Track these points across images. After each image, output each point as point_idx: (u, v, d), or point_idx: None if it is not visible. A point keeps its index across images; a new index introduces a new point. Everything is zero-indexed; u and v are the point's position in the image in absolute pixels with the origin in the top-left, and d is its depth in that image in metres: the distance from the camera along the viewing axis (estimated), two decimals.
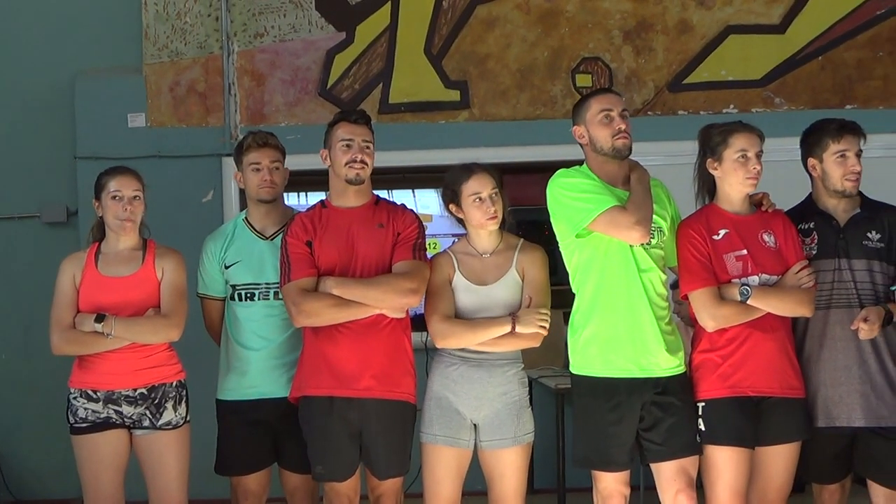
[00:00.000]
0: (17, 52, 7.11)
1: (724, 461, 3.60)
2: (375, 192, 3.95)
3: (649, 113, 6.95)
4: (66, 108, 6.98)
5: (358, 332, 3.71)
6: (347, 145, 3.79)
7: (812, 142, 3.81)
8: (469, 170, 3.79)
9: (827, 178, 3.78)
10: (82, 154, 6.84)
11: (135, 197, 3.90)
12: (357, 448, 3.75)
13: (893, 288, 3.70)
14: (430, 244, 4.12)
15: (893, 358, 3.69)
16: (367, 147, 3.81)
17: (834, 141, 3.74)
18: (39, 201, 7.05)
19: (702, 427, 3.63)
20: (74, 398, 3.85)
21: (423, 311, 3.82)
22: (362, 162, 3.78)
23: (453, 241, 4.06)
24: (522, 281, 3.76)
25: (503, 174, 3.85)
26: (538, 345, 3.75)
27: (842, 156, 3.73)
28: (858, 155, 3.74)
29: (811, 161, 3.81)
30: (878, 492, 3.70)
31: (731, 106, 7.02)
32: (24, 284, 6.92)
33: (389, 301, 3.71)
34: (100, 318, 3.75)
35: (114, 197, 3.89)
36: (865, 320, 3.60)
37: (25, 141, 7.07)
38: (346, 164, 3.78)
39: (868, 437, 3.68)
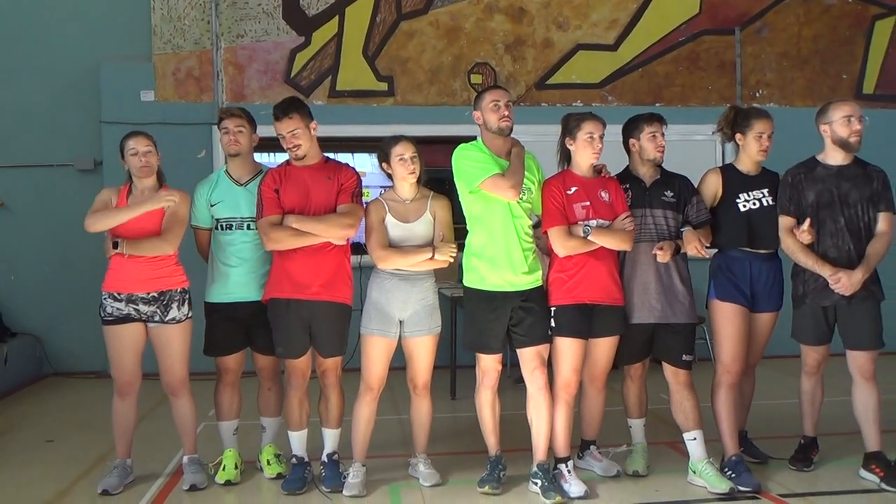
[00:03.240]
0: (58, 43, 6.87)
1: (567, 347, 3.65)
2: (326, 153, 3.84)
3: (521, 104, 6.95)
4: (94, 85, 6.78)
5: (310, 253, 3.63)
6: (282, 137, 3.67)
7: (632, 127, 3.82)
8: (397, 139, 3.72)
9: (643, 151, 3.79)
10: (106, 120, 6.62)
11: (147, 151, 3.73)
12: (308, 335, 3.69)
13: (682, 229, 3.76)
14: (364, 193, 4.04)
15: (680, 278, 3.75)
16: (295, 134, 3.64)
17: (647, 124, 3.76)
18: (73, 154, 6.84)
19: (553, 324, 3.66)
20: (104, 298, 3.69)
21: (361, 241, 3.76)
22: (296, 146, 3.65)
23: (381, 192, 3.99)
24: (434, 220, 3.73)
25: (418, 144, 3.78)
26: (447, 267, 3.74)
27: (653, 135, 3.77)
28: (663, 135, 3.78)
29: (632, 140, 3.82)
30: (667, 368, 3.79)
31: (579, 101, 7.07)
32: (61, 216, 6.76)
33: (333, 232, 3.64)
34: (115, 245, 3.62)
35: (132, 154, 3.72)
36: (661, 248, 3.67)
37: (63, 109, 6.86)
38: (287, 150, 3.68)
39: (661, 331, 3.75)
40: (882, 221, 3.68)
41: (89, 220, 3.65)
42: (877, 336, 3.69)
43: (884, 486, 3.61)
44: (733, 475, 3.64)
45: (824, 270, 3.65)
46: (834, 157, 3.75)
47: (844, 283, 3.60)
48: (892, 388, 4.03)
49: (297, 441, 3.78)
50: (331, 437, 3.79)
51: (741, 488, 3.58)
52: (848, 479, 3.75)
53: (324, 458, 3.78)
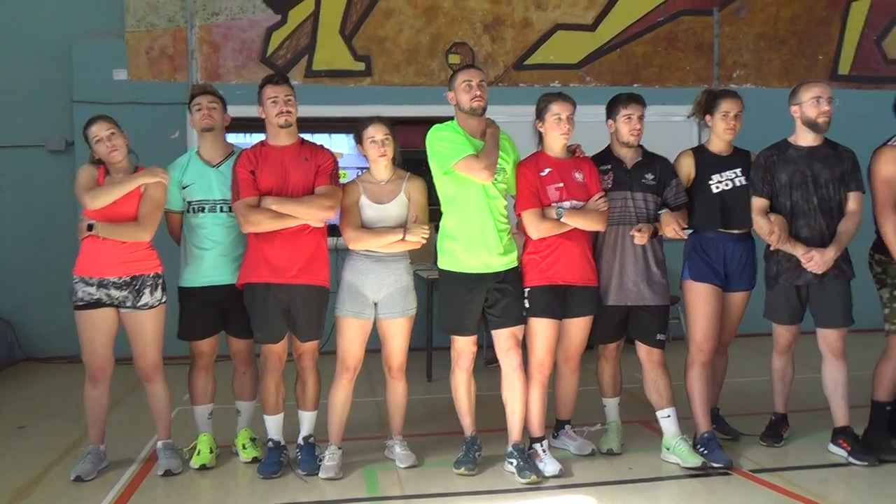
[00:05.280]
0: (30, 20, 6.72)
1: (541, 328, 3.66)
2: (301, 135, 3.80)
3: (499, 85, 6.93)
4: (66, 63, 6.64)
5: (288, 236, 3.60)
6: (274, 101, 3.63)
7: (610, 108, 3.83)
8: (370, 121, 3.70)
9: (619, 134, 3.80)
10: (78, 99, 6.50)
11: (111, 134, 3.66)
12: (286, 320, 3.67)
13: (660, 212, 3.77)
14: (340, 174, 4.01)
15: (656, 260, 3.77)
16: (289, 100, 3.66)
17: (623, 107, 3.76)
18: (44, 134, 6.71)
19: (527, 305, 3.67)
20: (76, 283, 3.64)
21: (338, 223, 3.75)
22: (287, 111, 3.64)
23: (357, 173, 3.97)
24: (409, 201, 3.71)
25: (395, 125, 3.75)
26: (419, 248, 3.73)
27: (628, 118, 3.78)
28: (641, 118, 3.78)
29: (609, 122, 3.83)
30: (641, 347, 3.83)
31: (556, 82, 7.05)
32: (32, 197, 6.66)
33: (313, 214, 3.61)
34: (90, 227, 3.57)
35: (96, 140, 3.65)
36: (639, 231, 3.69)
37: (34, 88, 6.73)
38: (276, 114, 3.63)
39: (637, 312, 3.78)
40: (852, 201, 3.73)
41: (89, 197, 3.54)
42: (847, 314, 3.75)
43: (851, 459, 3.69)
44: (705, 451, 3.70)
45: (797, 250, 3.69)
46: (804, 138, 3.79)
47: (817, 260, 3.65)
48: (861, 364, 4.10)
49: (273, 425, 3.78)
50: (307, 420, 3.79)
51: (713, 464, 3.64)
52: (817, 453, 3.83)
53: (300, 441, 3.78)
